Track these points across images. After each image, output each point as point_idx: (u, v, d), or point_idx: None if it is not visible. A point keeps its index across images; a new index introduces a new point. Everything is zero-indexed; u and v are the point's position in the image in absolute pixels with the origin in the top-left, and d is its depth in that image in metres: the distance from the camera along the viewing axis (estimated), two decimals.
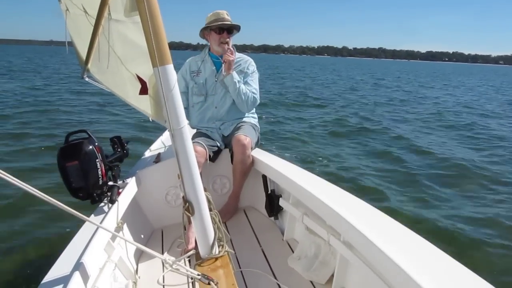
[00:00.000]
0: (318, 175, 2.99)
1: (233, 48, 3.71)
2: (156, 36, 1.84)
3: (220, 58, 3.75)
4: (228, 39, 3.66)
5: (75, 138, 2.84)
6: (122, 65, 2.41)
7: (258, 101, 3.84)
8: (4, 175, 1.27)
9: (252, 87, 3.77)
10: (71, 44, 3.51)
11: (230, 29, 3.70)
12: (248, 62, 3.87)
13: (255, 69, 3.89)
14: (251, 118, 3.96)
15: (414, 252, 1.78)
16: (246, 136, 3.55)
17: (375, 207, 2.31)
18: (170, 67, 1.94)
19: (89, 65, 3.52)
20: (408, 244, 1.86)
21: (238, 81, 3.67)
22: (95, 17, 2.49)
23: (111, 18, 2.29)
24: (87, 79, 3.58)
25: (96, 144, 2.83)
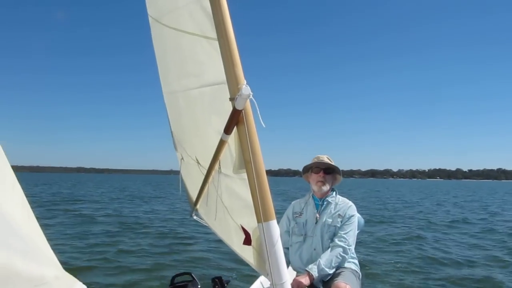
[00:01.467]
0: None
1: (335, 192, 3.77)
2: (261, 193, 1.90)
3: (321, 201, 3.83)
4: (323, 179, 3.75)
5: (180, 280, 2.95)
6: (228, 215, 2.51)
7: (351, 250, 3.71)
8: None
9: (344, 237, 3.67)
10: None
11: (329, 170, 3.78)
12: (348, 206, 3.86)
13: (355, 214, 3.85)
14: (352, 263, 3.82)
15: None
16: (346, 284, 3.43)
17: None
18: (274, 223, 1.96)
19: (197, 206, 3.74)
20: None
21: (327, 269, 3.59)
22: (206, 168, 2.70)
23: (221, 171, 2.46)
24: (195, 217, 3.79)
25: (199, 287, 2.90)
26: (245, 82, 1.99)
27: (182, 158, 3.94)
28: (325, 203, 3.79)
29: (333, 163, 3.79)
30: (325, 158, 3.79)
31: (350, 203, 3.87)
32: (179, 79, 3.16)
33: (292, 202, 4.04)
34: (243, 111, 1.93)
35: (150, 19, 3.64)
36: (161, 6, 3.36)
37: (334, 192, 3.86)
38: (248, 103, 1.95)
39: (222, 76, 2.23)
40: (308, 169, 3.86)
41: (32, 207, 1.28)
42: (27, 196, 1.28)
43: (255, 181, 1.91)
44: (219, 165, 2.46)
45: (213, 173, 2.65)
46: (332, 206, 3.76)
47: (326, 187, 3.77)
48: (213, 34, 2.42)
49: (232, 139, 2.17)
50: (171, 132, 4.13)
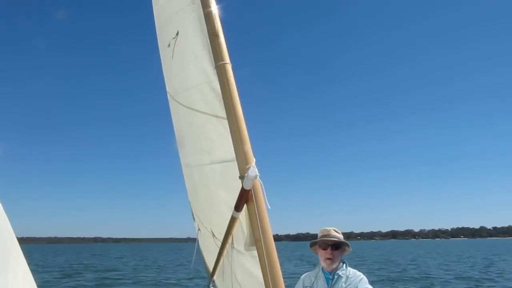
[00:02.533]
0: None
1: (345, 265, 3.69)
2: (272, 272, 1.91)
3: (331, 274, 3.73)
4: (331, 256, 3.67)
5: None
6: None
7: None
8: None
9: None
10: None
11: (336, 245, 3.71)
12: (359, 279, 3.74)
13: (367, 286, 3.72)
14: None
15: None
16: None
17: None
18: None
19: (214, 277, 3.70)
20: None
21: None
22: (221, 241, 2.71)
23: (234, 247, 2.47)
24: None
25: None
26: (253, 161, 2.07)
27: (199, 229, 3.97)
28: (335, 277, 3.68)
29: (340, 236, 3.73)
30: (332, 231, 3.72)
31: (362, 275, 3.75)
32: (193, 154, 3.27)
33: (302, 276, 3.92)
34: (251, 190, 1.98)
35: (168, 95, 3.86)
36: (175, 84, 3.57)
37: (344, 265, 3.76)
38: (257, 182, 2.01)
39: (232, 154, 2.31)
40: (315, 243, 3.79)
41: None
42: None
43: (266, 260, 1.91)
44: (232, 240, 2.48)
45: (227, 247, 2.66)
46: (343, 280, 3.65)
47: (335, 264, 3.68)
48: (223, 113, 2.54)
49: (243, 215, 2.21)
50: (189, 202, 4.20)
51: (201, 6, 3.06)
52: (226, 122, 2.48)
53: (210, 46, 2.78)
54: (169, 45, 3.50)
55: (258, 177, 1.93)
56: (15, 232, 1.45)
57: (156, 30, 3.87)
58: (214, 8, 2.96)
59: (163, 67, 3.83)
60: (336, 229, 3.79)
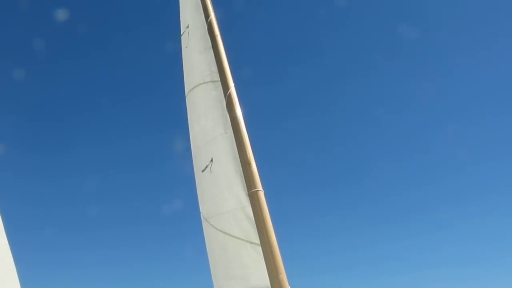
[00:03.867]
0: None
1: None
2: None
3: None
4: None
5: None
6: None
7: None
8: None
9: None
10: None
11: None
12: None
13: None
14: None
15: None
16: None
17: None
18: None
19: None
20: None
21: None
22: None
23: None
24: None
25: None
26: None
27: None
28: None
29: None
30: None
31: None
32: (226, 279, 3.27)
33: None
34: None
35: (201, 217, 3.98)
36: (209, 208, 3.71)
37: None
38: None
39: (267, 281, 2.34)
40: None
41: None
42: None
43: None
44: None
45: None
46: None
47: None
48: (257, 240, 2.63)
49: None
50: None
51: (233, 135, 3.33)
52: (260, 248, 2.55)
53: (242, 173, 2.96)
54: (204, 170, 3.71)
55: None
56: None
57: (192, 155, 4.13)
58: (246, 137, 3.22)
59: (197, 190, 4.02)
60: None
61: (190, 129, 4.25)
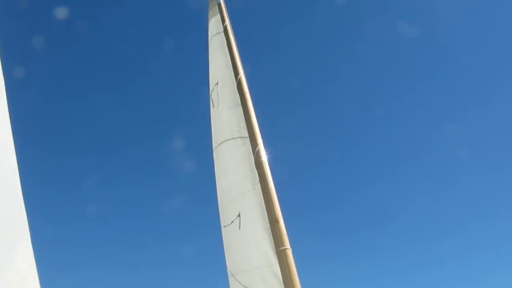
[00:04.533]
0: None
1: None
2: None
3: None
4: None
5: None
6: None
7: None
8: None
9: None
10: None
11: None
12: None
13: None
14: None
15: None
16: None
17: None
18: None
19: None
20: None
21: None
22: None
23: None
24: None
25: None
26: None
27: None
28: None
29: None
30: None
31: None
32: None
33: None
34: None
35: (228, 271, 3.97)
36: (236, 263, 3.72)
37: None
38: None
39: None
40: None
41: None
42: None
43: None
44: None
45: None
46: None
47: None
48: None
49: None
50: None
51: (261, 192, 3.38)
52: None
53: (270, 231, 2.99)
54: (230, 225, 3.75)
55: None
56: None
57: (219, 209, 4.18)
58: (274, 194, 3.27)
59: (224, 244, 4.04)
60: None
61: (217, 183, 4.33)
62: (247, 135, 3.88)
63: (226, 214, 3.97)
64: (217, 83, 4.81)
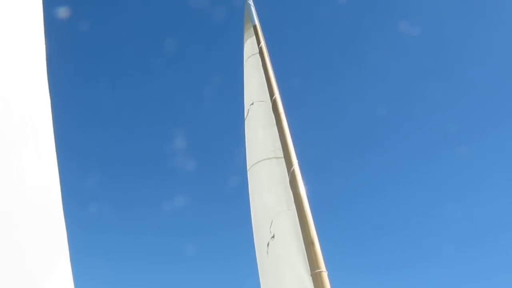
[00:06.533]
0: None
1: None
2: None
3: None
4: None
5: None
6: None
7: None
8: None
9: None
10: None
11: None
12: None
13: None
14: None
15: None
16: None
17: None
18: None
19: None
20: None
21: None
22: None
23: None
24: None
25: None
26: None
27: None
28: None
29: None
30: None
31: None
32: None
33: None
34: None
35: None
36: (270, 286, 3.66)
37: None
38: None
39: None
40: None
41: None
42: None
43: None
44: None
45: None
46: None
47: None
48: None
49: None
50: None
51: (296, 211, 3.34)
52: None
53: (305, 253, 2.93)
54: (265, 246, 3.72)
55: None
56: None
57: (253, 229, 4.17)
58: (309, 215, 3.21)
59: (258, 265, 4.00)
60: None
61: (251, 203, 4.33)
62: (282, 156, 3.87)
63: (260, 235, 3.95)
64: (252, 103, 4.86)
